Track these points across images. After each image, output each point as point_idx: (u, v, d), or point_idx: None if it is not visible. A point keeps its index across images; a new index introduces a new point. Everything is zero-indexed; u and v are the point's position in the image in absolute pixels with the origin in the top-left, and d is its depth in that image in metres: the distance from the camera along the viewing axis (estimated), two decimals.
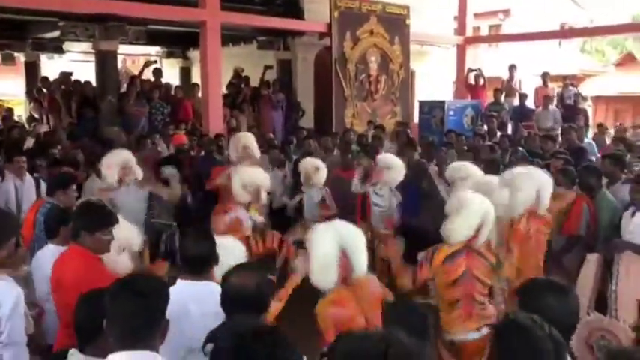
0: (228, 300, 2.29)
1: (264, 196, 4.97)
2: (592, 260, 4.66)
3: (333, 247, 2.99)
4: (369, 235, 4.76)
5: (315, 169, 6.01)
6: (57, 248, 3.45)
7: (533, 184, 4.33)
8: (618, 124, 12.82)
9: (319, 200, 6.07)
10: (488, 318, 3.53)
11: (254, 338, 1.70)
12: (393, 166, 5.75)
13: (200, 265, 2.70)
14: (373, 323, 3.00)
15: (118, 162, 5.20)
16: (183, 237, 2.77)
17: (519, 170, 4.53)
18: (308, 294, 3.22)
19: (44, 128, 8.96)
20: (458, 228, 3.48)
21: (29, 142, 8.16)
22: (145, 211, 5.44)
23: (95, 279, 2.67)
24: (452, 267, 3.49)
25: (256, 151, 6.28)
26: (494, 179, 4.56)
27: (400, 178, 5.77)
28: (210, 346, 1.75)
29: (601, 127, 10.39)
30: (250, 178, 4.83)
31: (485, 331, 3.45)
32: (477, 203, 3.56)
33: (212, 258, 2.75)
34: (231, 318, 2.25)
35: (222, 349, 1.71)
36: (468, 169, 5.20)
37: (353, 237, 3.08)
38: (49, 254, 3.44)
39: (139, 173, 5.33)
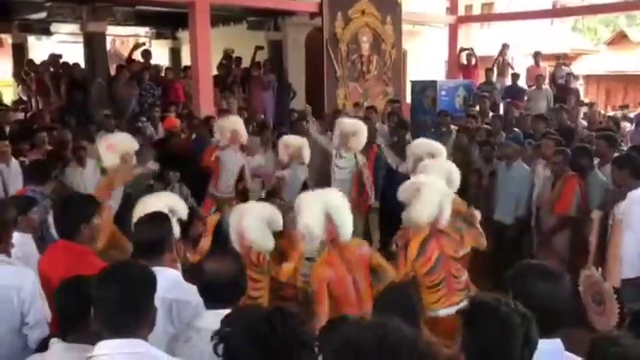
0: (210, 287, 2.25)
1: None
2: (595, 218, 4.69)
3: (318, 212, 3.34)
4: None
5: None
6: (20, 236, 3.33)
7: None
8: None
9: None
10: (465, 287, 3.78)
11: (267, 324, 1.64)
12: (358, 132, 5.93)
13: (152, 250, 2.61)
14: (359, 284, 3.39)
15: (122, 148, 4.66)
16: (137, 222, 2.71)
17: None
18: None
19: (20, 115, 8.83)
20: (419, 213, 3.60)
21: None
22: None
23: None
24: (426, 258, 3.63)
25: (245, 135, 6.22)
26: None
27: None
28: (221, 348, 1.68)
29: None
30: None
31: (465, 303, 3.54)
32: (432, 185, 3.70)
33: (165, 243, 2.67)
34: (209, 305, 2.24)
35: (236, 348, 1.64)
36: (432, 144, 5.41)
37: (337, 203, 3.42)
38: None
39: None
